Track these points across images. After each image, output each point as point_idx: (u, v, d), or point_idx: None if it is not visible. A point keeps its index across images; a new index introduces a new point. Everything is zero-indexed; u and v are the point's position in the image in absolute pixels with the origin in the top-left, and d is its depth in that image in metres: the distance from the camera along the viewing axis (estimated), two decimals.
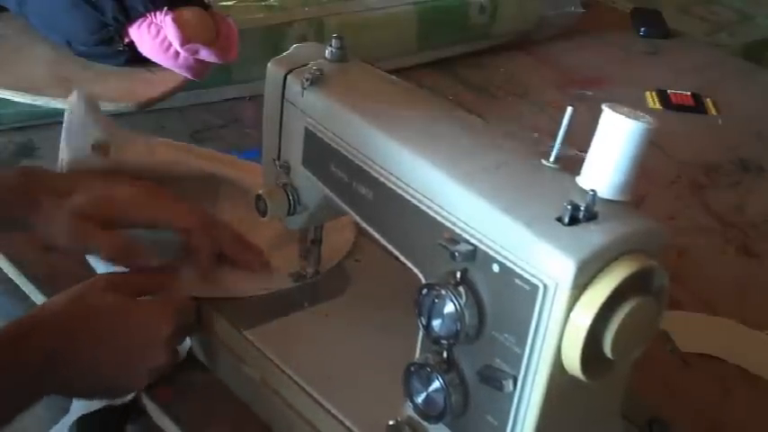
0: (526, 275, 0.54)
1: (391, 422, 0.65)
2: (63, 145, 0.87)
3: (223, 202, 0.88)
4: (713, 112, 1.34)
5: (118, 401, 0.75)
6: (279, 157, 0.76)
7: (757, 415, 0.81)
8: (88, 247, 0.78)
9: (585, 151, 0.56)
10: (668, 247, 0.57)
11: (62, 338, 0.67)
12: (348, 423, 0.68)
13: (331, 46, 0.72)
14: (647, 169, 0.56)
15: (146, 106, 1.04)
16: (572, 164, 0.58)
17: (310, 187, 0.74)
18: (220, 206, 0.88)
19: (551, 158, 0.59)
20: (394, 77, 0.74)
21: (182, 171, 0.89)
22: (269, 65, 0.74)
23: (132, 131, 0.90)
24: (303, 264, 0.82)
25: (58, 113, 1.09)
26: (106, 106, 1.00)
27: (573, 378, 0.55)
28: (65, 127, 0.87)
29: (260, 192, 0.76)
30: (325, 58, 0.72)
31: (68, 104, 0.88)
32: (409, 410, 0.64)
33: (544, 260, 0.53)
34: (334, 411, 0.69)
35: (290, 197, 0.76)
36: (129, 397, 0.74)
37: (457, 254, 0.56)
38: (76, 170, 0.84)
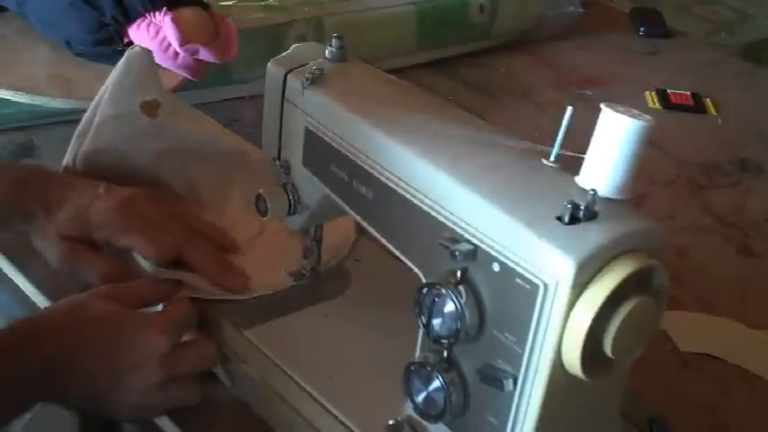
0: (526, 275, 0.54)
1: (391, 422, 0.65)
2: (106, 102, 0.86)
3: (251, 181, 0.88)
4: (713, 111, 1.34)
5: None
6: (279, 157, 0.76)
7: (757, 415, 0.81)
8: (78, 272, 0.79)
9: (584, 152, 0.57)
10: (668, 247, 0.57)
11: (59, 347, 0.66)
12: (348, 422, 0.68)
13: (331, 46, 0.72)
14: (647, 169, 0.56)
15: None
16: (572, 164, 0.58)
17: (310, 187, 0.74)
18: (249, 184, 0.88)
19: (551, 158, 0.59)
20: (393, 77, 0.74)
21: (219, 146, 0.90)
22: (269, 64, 0.74)
23: (180, 98, 0.91)
24: (303, 263, 0.82)
25: (58, 113, 1.09)
26: None
27: (573, 377, 0.55)
28: (114, 82, 0.87)
29: (260, 191, 0.76)
30: (326, 58, 0.72)
31: (127, 56, 0.88)
32: (409, 410, 0.64)
33: (544, 259, 0.53)
34: (334, 411, 0.69)
35: (291, 197, 0.76)
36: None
37: (457, 253, 0.56)
38: (70, 176, 0.85)
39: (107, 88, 0.87)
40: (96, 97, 0.88)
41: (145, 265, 0.81)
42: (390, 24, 1.31)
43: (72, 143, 0.88)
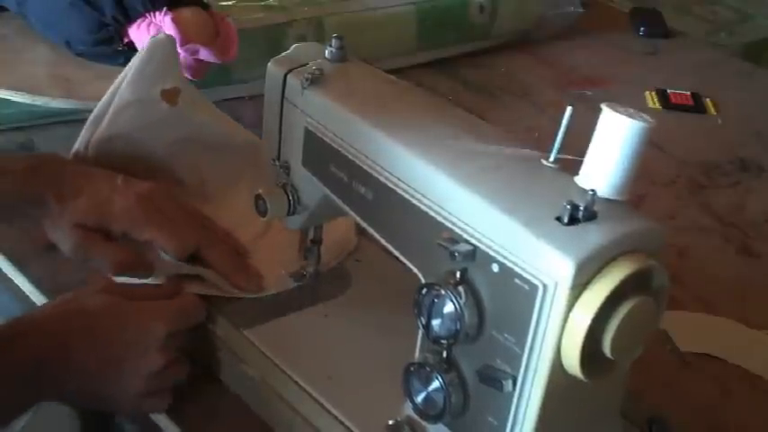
0: (525, 275, 0.54)
1: (390, 422, 0.65)
2: (125, 88, 0.86)
3: (259, 179, 0.88)
4: (713, 111, 1.34)
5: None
6: (279, 157, 0.76)
7: (757, 415, 0.81)
8: (91, 260, 0.78)
9: (584, 152, 0.57)
10: (668, 248, 0.57)
11: (52, 343, 0.66)
12: (347, 422, 0.68)
13: (331, 46, 0.72)
14: (647, 169, 0.56)
15: None
16: (572, 164, 0.58)
17: (310, 187, 0.74)
18: (257, 182, 0.88)
19: (551, 158, 0.59)
20: (393, 77, 0.74)
21: (232, 139, 0.91)
22: (269, 64, 0.74)
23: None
24: (303, 263, 0.82)
25: (59, 113, 1.09)
26: None
27: (572, 378, 0.55)
28: (135, 68, 0.86)
29: (260, 191, 0.76)
30: (325, 58, 0.72)
31: (150, 44, 0.87)
32: (409, 410, 0.64)
33: (543, 260, 0.53)
34: (333, 411, 0.69)
35: (290, 197, 0.76)
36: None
37: (456, 254, 0.56)
38: (85, 166, 0.84)
39: (126, 74, 0.87)
40: (113, 84, 0.87)
41: (166, 259, 0.80)
42: (390, 24, 1.31)
43: (84, 129, 0.87)
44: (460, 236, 0.57)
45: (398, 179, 0.62)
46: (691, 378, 0.83)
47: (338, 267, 0.85)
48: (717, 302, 0.93)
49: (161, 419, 0.73)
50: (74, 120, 1.11)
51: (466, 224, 0.57)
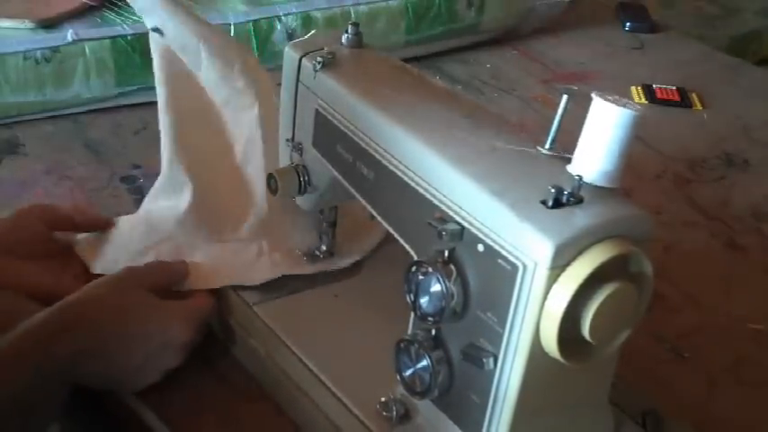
0: (508, 255, 0.54)
1: (383, 399, 0.67)
2: None
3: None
4: (698, 106, 1.34)
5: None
6: (293, 138, 0.78)
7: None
8: None
9: (570, 146, 0.57)
10: (654, 242, 0.57)
11: (91, 338, 0.69)
12: (343, 397, 0.69)
13: (347, 32, 0.74)
14: (633, 163, 0.57)
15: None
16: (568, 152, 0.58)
17: (320, 168, 0.76)
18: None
19: (546, 146, 0.60)
20: (406, 65, 0.76)
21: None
22: (286, 48, 0.76)
23: None
24: (318, 244, 0.83)
25: (45, 108, 1.09)
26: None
27: (553, 360, 0.55)
28: None
29: (272, 171, 0.78)
30: (341, 44, 0.74)
31: None
32: (402, 390, 0.65)
33: (525, 241, 0.53)
34: (330, 386, 0.70)
35: (301, 177, 0.77)
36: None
37: (444, 233, 0.57)
38: None
39: None
40: None
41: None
42: (378, 20, 1.31)
43: None
44: (451, 216, 0.58)
45: (396, 160, 0.63)
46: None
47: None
48: (703, 296, 0.94)
49: (147, 413, 0.73)
50: (60, 115, 1.11)
51: (456, 205, 0.58)
